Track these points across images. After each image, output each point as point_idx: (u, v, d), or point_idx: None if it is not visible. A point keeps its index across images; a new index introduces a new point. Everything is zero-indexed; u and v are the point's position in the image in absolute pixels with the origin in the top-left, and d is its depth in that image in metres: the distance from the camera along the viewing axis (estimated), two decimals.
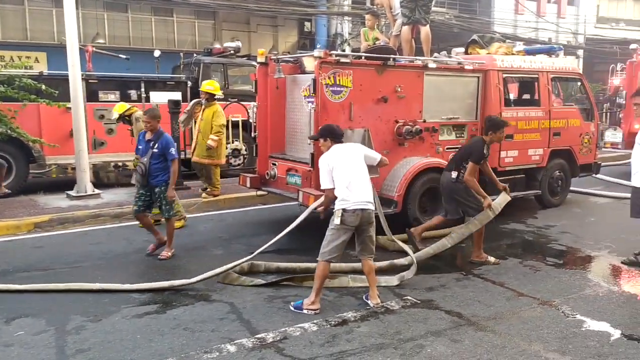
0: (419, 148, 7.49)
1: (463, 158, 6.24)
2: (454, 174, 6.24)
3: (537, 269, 6.07)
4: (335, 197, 4.87)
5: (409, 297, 5.14)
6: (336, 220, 4.76)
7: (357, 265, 5.59)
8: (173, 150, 6.32)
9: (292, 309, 4.80)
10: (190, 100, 9.84)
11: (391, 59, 7.14)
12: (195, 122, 9.29)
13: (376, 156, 5.25)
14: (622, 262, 6.24)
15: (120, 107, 8.46)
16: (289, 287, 5.40)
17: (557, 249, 6.87)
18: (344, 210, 4.73)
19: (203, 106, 9.03)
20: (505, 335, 4.37)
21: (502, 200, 6.33)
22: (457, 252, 6.66)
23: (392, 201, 7.06)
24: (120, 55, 13.17)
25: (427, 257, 6.08)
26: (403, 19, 8.18)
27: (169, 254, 6.39)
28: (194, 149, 9.07)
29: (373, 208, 4.89)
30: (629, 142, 10.50)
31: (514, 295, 5.25)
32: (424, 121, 7.49)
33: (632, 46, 13.35)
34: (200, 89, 9.26)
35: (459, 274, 5.88)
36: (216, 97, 9.08)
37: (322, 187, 5.06)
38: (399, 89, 7.20)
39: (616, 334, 4.42)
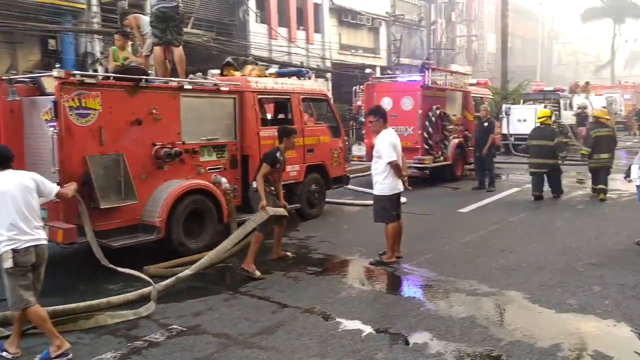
0: (179, 170, 7.34)
1: (260, 166, 6.72)
2: (255, 184, 6.68)
3: (299, 279, 6.40)
4: None
5: (174, 326, 4.94)
6: (7, 264, 4.15)
7: (113, 299, 5.24)
8: None
9: None
10: None
11: (143, 80, 6.89)
12: None
13: (51, 189, 4.57)
14: (370, 263, 6.94)
15: None
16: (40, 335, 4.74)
17: (317, 258, 7.35)
18: (14, 250, 4.15)
19: None
20: (271, 348, 4.47)
21: (275, 211, 6.65)
22: (224, 271, 6.67)
23: (154, 227, 6.78)
24: None
25: (210, 264, 6.13)
26: (154, 39, 7.97)
27: None
28: None
29: (46, 242, 4.42)
30: (370, 155, 11.83)
31: (278, 308, 5.43)
32: (183, 143, 7.37)
33: (367, 71, 15.23)
34: None
35: (227, 294, 5.88)
36: None
37: None
38: (155, 111, 6.98)
39: (367, 329, 4.86)
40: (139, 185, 6.70)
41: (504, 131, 20.01)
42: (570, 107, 23.71)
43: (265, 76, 8.99)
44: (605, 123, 11.33)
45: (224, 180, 7.55)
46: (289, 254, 7.33)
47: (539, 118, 11.99)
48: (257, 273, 6.41)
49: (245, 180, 8.33)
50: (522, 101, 23.90)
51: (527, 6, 53.95)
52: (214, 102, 7.96)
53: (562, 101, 23.00)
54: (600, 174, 11.07)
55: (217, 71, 9.09)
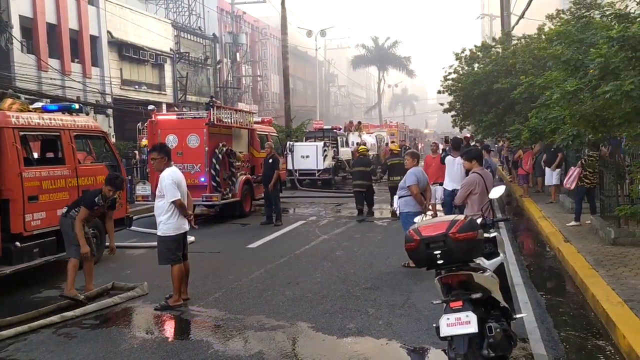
0: None
1: (77, 202, 7.12)
2: (65, 209, 7.04)
3: (72, 335, 5.73)
4: None
5: None
6: None
7: None
8: None
9: None
10: None
11: None
12: None
13: None
14: (155, 309, 6.54)
15: None
16: None
17: (94, 310, 6.69)
18: None
19: None
20: None
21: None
22: None
23: None
24: None
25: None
26: None
27: None
28: None
29: None
30: (154, 195, 11.35)
31: None
32: None
33: (150, 107, 14.73)
34: None
35: None
36: None
37: None
38: None
39: None
40: None
41: (289, 167, 20.99)
42: (347, 144, 25.94)
43: (29, 111, 8.07)
44: (397, 154, 14.71)
45: None
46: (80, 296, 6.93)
47: (358, 151, 15.99)
48: (80, 296, 6.62)
49: (5, 227, 7.30)
50: (304, 138, 25.42)
51: (306, 51, 58.26)
52: None
53: (339, 139, 25.04)
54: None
55: None
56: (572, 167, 11.87)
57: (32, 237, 7.56)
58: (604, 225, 9.12)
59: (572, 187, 11.17)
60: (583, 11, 9.59)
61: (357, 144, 26.70)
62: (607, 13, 8.05)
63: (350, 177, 23.28)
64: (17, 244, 7.40)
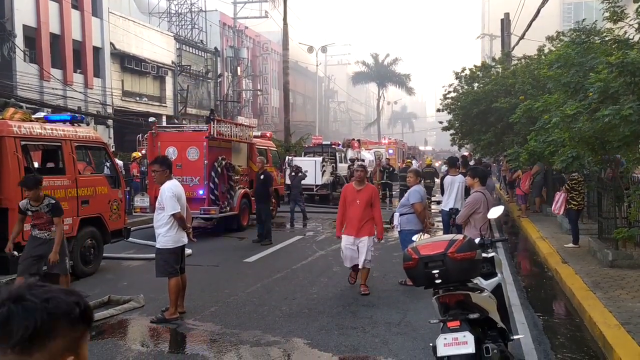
0: None
1: None
2: None
3: None
4: None
5: None
6: None
7: None
8: None
9: None
10: None
11: None
12: None
13: None
14: (151, 321, 6.52)
15: None
16: None
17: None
18: None
19: None
20: None
21: None
22: None
23: None
24: None
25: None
26: None
27: None
28: None
29: None
30: (154, 207, 11.36)
31: None
32: None
33: (151, 119, 14.77)
34: None
35: None
36: None
37: None
38: None
39: None
40: None
41: (287, 182, 20.97)
42: (345, 159, 25.98)
43: (31, 120, 8.11)
44: (429, 165, 16.41)
45: None
46: None
47: (404, 162, 20.26)
48: None
49: (3, 236, 7.30)
50: (303, 153, 25.44)
51: (306, 66, 58.59)
52: None
53: (337, 154, 25.08)
54: None
55: None
56: (557, 193, 11.85)
57: None
58: (602, 247, 9.14)
59: (561, 212, 11.17)
60: (583, 37, 9.68)
61: (351, 159, 26.84)
62: (607, 39, 8.14)
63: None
64: (15, 253, 7.38)
